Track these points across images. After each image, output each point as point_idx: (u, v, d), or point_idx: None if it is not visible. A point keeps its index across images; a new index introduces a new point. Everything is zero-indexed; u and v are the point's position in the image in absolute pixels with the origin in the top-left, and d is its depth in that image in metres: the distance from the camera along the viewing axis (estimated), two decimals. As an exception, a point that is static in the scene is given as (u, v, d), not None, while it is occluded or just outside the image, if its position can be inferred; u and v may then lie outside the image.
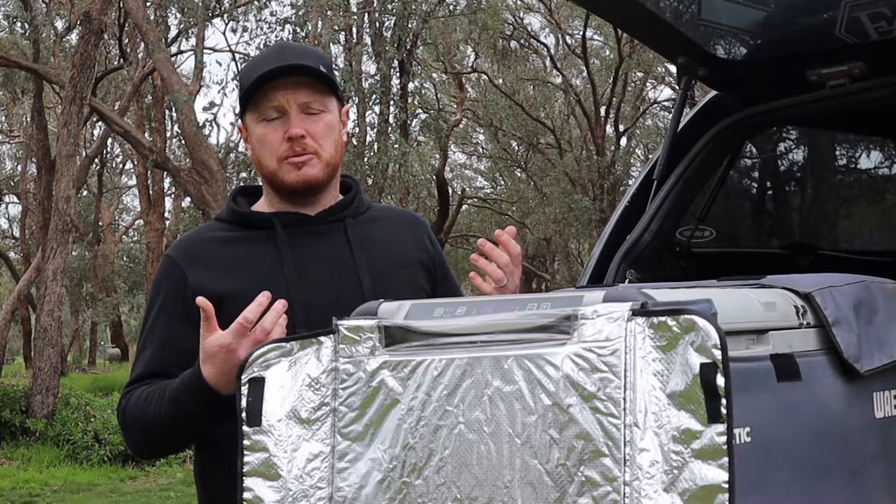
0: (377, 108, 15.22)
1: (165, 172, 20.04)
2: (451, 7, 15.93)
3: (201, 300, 1.94)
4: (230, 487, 1.81)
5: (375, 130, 15.05)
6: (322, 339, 1.78)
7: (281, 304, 1.95)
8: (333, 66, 11.16)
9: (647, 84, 27.80)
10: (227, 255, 2.13)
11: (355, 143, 15.23)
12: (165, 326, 2.13)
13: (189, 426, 2.04)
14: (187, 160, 15.80)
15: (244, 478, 1.76)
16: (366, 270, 2.13)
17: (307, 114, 2.12)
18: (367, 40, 16.30)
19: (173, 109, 16.86)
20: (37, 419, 12.40)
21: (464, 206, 27.15)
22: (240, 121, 2.21)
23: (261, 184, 2.25)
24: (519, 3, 24.67)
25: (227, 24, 18.01)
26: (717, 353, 1.48)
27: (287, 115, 2.11)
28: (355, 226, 2.19)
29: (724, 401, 1.47)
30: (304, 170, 2.12)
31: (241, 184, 18.69)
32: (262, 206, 2.21)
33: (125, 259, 31.90)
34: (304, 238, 2.15)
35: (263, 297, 1.93)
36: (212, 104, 20.63)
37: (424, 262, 2.26)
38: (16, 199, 33.01)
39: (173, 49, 21.65)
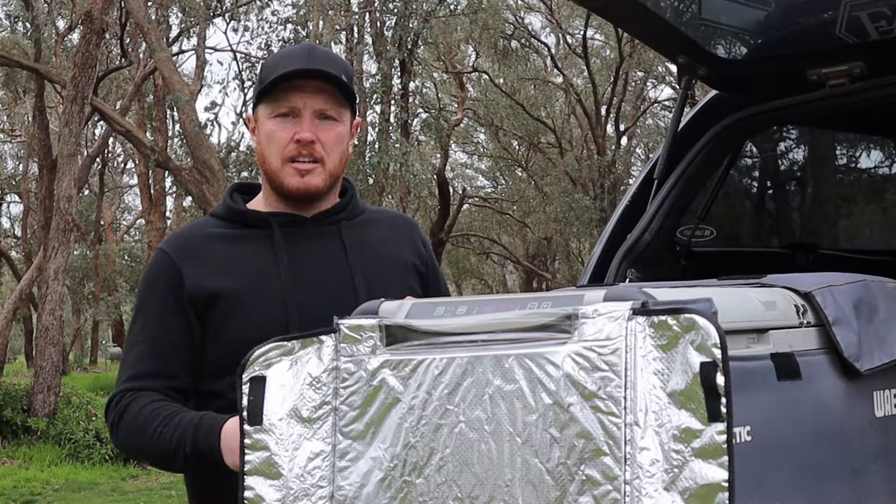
0: (378, 108, 15.22)
1: (167, 172, 20.05)
2: (451, 7, 15.92)
3: None
4: (225, 489, 1.81)
5: (376, 130, 15.04)
6: (323, 337, 1.78)
7: None
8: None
9: (648, 83, 27.78)
10: (222, 253, 2.12)
11: (356, 143, 15.19)
12: (160, 323, 2.10)
13: (182, 464, 2.01)
14: (188, 160, 15.81)
15: (245, 476, 1.76)
16: (360, 273, 2.13)
17: (321, 119, 2.12)
18: (369, 40, 16.31)
19: (175, 109, 16.89)
20: (38, 418, 12.41)
21: (465, 206, 27.15)
22: (250, 110, 2.20)
23: (260, 181, 2.25)
24: (520, 2, 24.66)
25: (228, 24, 18.02)
26: (718, 352, 1.48)
27: (300, 117, 2.11)
28: (350, 228, 2.19)
29: (724, 400, 1.47)
30: (307, 178, 2.12)
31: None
32: (258, 204, 2.21)
33: (127, 258, 31.87)
34: (300, 239, 2.14)
35: None
36: (213, 104, 20.48)
37: (417, 266, 2.26)
38: (17, 199, 33.01)
39: (175, 48, 21.67)
